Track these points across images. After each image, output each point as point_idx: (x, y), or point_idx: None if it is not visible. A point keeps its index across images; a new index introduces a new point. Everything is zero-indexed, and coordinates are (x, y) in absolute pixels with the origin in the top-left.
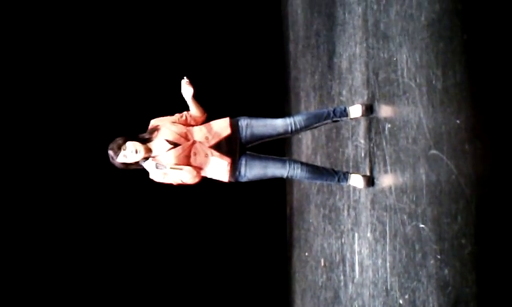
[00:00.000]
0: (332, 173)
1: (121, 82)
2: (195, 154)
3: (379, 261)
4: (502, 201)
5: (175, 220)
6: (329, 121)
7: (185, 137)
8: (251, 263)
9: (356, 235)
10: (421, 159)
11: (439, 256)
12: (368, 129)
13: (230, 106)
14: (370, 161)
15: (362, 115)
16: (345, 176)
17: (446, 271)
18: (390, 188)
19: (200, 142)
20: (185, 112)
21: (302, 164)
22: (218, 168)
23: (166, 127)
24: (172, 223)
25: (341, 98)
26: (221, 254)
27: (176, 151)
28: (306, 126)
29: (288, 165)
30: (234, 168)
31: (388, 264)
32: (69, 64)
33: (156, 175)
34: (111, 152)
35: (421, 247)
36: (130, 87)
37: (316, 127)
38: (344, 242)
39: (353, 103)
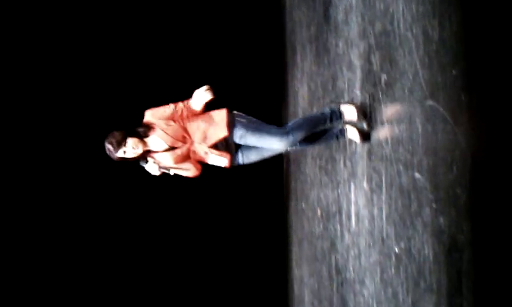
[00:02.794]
0: (329, 127)
1: (118, 79)
2: (194, 153)
3: (375, 210)
4: (496, 150)
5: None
6: (325, 128)
7: (182, 140)
8: (249, 214)
9: (353, 185)
10: (417, 110)
11: (434, 205)
12: (365, 80)
13: (225, 63)
14: (367, 113)
15: (359, 140)
16: (341, 132)
17: (441, 220)
18: (386, 139)
19: (198, 143)
20: (181, 104)
21: (296, 131)
22: (218, 163)
23: (161, 128)
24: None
25: (337, 50)
26: (219, 206)
27: (174, 153)
28: (302, 143)
29: (285, 143)
30: (233, 159)
31: (384, 213)
32: (64, 60)
33: (155, 171)
34: (109, 146)
35: (417, 196)
36: (127, 83)
37: (312, 143)
38: (340, 192)
39: (349, 59)
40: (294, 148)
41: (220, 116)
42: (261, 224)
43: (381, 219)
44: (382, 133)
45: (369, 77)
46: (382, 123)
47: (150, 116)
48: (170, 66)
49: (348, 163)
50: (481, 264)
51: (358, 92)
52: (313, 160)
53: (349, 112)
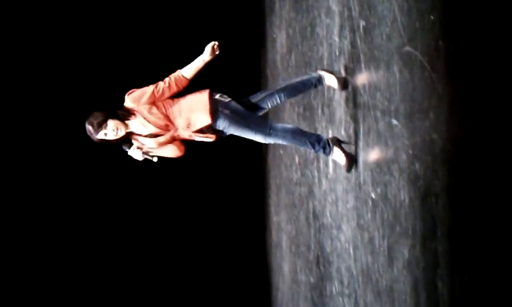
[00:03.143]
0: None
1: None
2: (179, 136)
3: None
4: (473, 96)
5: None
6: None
7: (165, 128)
8: (227, 161)
9: (330, 132)
10: (395, 56)
11: (411, 151)
12: (343, 27)
13: (201, 10)
14: (345, 59)
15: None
16: (319, 80)
17: (417, 165)
18: (364, 85)
19: (181, 129)
20: (161, 84)
21: (280, 137)
22: (204, 139)
23: (142, 115)
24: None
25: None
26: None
27: (157, 140)
28: (282, 97)
29: (266, 139)
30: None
31: (361, 160)
32: (61, 60)
33: (137, 156)
34: (90, 128)
35: (393, 142)
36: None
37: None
38: None
39: (328, 4)
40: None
41: (203, 102)
42: (239, 172)
43: (358, 165)
44: (360, 80)
45: (348, 23)
46: (360, 70)
47: (130, 101)
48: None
49: (326, 110)
50: (456, 209)
51: (336, 38)
52: (292, 108)
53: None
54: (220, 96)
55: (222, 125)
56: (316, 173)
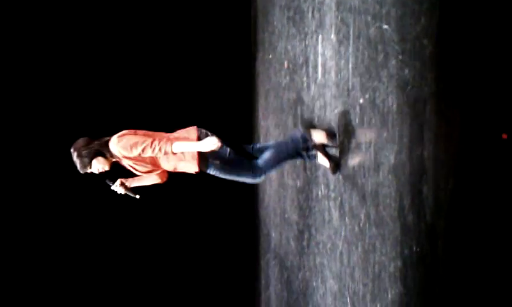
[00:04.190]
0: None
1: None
2: (164, 171)
3: (342, 62)
4: (464, 4)
5: None
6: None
7: (151, 171)
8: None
9: (320, 36)
10: None
11: (400, 57)
12: None
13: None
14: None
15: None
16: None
17: (406, 71)
18: None
19: (167, 169)
20: (148, 150)
21: (269, 170)
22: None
23: (128, 163)
24: None
25: None
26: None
27: (141, 174)
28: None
29: (256, 180)
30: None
31: (350, 65)
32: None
33: (120, 191)
34: (75, 162)
35: (383, 47)
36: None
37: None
38: (307, 43)
39: None
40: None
41: (191, 153)
42: (228, 76)
43: (348, 70)
44: None
45: None
46: None
47: (117, 149)
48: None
49: (316, 14)
50: (444, 115)
51: None
52: (281, 11)
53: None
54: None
55: (212, 172)
56: (305, 78)
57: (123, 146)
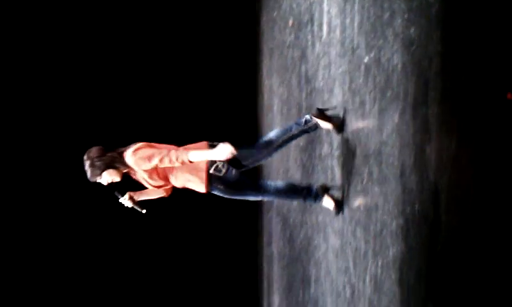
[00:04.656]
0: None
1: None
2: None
3: (347, 20)
4: None
5: None
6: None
7: (161, 187)
8: (221, 26)
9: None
10: None
11: (406, 15)
12: None
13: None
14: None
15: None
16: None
17: (412, 30)
18: None
19: (176, 186)
20: (166, 159)
21: (272, 195)
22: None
23: (143, 176)
24: None
25: None
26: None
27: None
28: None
29: (259, 198)
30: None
31: (355, 23)
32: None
33: (128, 204)
34: (86, 170)
35: (389, 5)
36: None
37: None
38: (312, 1)
39: None
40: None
41: (199, 174)
42: (232, 34)
43: (353, 28)
44: None
45: None
46: None
47: (133, 162)
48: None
49: None
50: (449, 74)
51: None
52: None
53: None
54: (215, 169)
55: (217, 193)
56: (310, 37)
57: (141, 157)
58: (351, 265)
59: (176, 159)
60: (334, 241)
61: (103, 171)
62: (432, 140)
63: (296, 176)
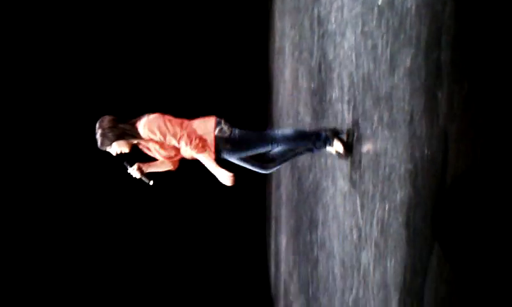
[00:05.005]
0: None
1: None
2: (180, 156)
3: None
4: None
5: None
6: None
7: (172, 157)
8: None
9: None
10: None
11: None
12: None
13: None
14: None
15: (341, 156)
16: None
17: None
18: None
19: (185, 156)
20: (184, 134)
21: (279, 161)
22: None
23: (154, 147)
24: None
25: None
26: None
27: (162, 161)
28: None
29: (265, 170)
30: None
31: None
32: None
33: (136, 175)
34: (97, 138)
35: None
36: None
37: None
38: None
39: None
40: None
41: (208, 140)
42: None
43: None
44: None
45: None
46: None
47: (146, 132)
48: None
49: None
50: (463, 18)
51: None
52: None
53: (337, 147)
54: (219, 131)
55: (226, 156)
56: None
57: (151, 129)
58: (358, 208)
59: (186, 144)
60: (342, 184)
61: (113, 141)
62: (443, 85)
63: (306, 120)
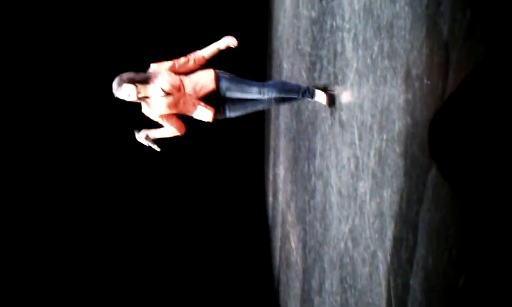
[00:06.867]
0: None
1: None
2: (184, 103)
3: None
4: None
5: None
6: (296, 97)
7: (178, 88)
8: None
9: None
10: None
11: None
12: None
13: None
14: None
15: (326, 103)
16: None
17: None
18: None
19: (189, 94)
20: (182, 58)
21: (273, 88)
22: (203, 115)
23: (163, 76)
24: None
25: None
26: None
27: (168, 99)
28: (277, 98)
29: (263, 94)
30: (217, 113)
31: None
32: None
33: (142, 140)
34: (114, 85)
35: None
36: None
37: (285, 101)
38: None
39: None
40: (271, 103)
41: (208, 73)
42: None
43: None
44: None
45: None
46: None
47: (155, 66)
48: None
49: None
50: None
51: None
52: None
53: (320, 97)
54: (221, 71)
55: (225, 86)
56: None
57: (161, 63)
58: (356, 138)
59: (190, 57)
60: (340, 115)
61: (124, 83)
62: (445, 12)
63: (306, 49)
